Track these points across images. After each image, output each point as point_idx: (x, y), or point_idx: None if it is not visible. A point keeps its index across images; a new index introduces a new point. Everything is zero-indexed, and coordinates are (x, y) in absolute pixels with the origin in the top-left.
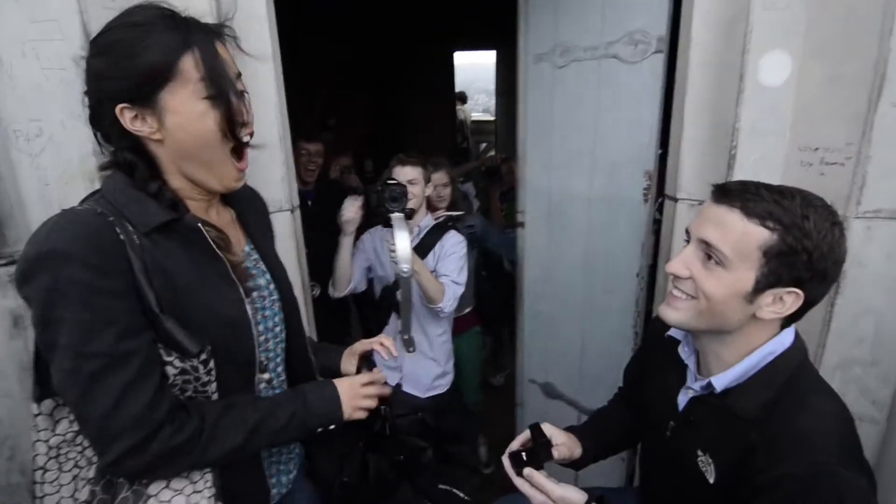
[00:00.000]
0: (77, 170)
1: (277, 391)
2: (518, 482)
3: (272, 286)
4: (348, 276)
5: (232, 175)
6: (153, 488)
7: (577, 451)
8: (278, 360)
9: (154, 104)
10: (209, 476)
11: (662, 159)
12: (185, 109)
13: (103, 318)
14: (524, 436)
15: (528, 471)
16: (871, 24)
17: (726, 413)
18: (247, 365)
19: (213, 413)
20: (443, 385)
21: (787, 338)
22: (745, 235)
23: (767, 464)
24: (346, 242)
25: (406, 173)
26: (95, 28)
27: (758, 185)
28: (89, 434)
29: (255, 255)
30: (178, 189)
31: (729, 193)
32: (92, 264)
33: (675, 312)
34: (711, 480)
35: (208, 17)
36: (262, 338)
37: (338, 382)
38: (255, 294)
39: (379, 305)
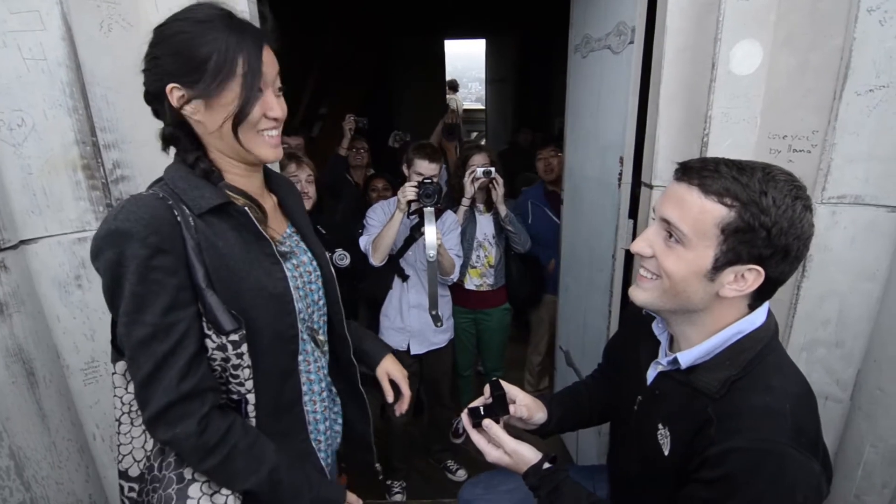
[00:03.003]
0: (60, 159)
1: (324, 359)
2: (474, 436)
3: (314, 263)
4: (391, 247)
5: (265, 151)
6: None
7: (540, 415)
8: (323, 329)
9: (200, 91)
10: None
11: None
12: (224, 101)
13: (155, 291)
14: (485, 393)
15: (486, 422)
16: (836, 15)
17: (689, 388)
18: (290, 340)
19: (246, 437)
20: (443, 341)
21: (757, 318)
22: (702, 213)
23: (720, 436)
24: (398, 217)
25: (432, 168)
26: (76, 18)
27: (718, 162)
28: (135, 394)
29: (297, 236)
30: (216, 161)
31: (689, 171)
32: (150, 243)
33: (641, 293)
34: (666, 453)
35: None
36: (309, 310)
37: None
38: (301, 269)
39: (383, 271)
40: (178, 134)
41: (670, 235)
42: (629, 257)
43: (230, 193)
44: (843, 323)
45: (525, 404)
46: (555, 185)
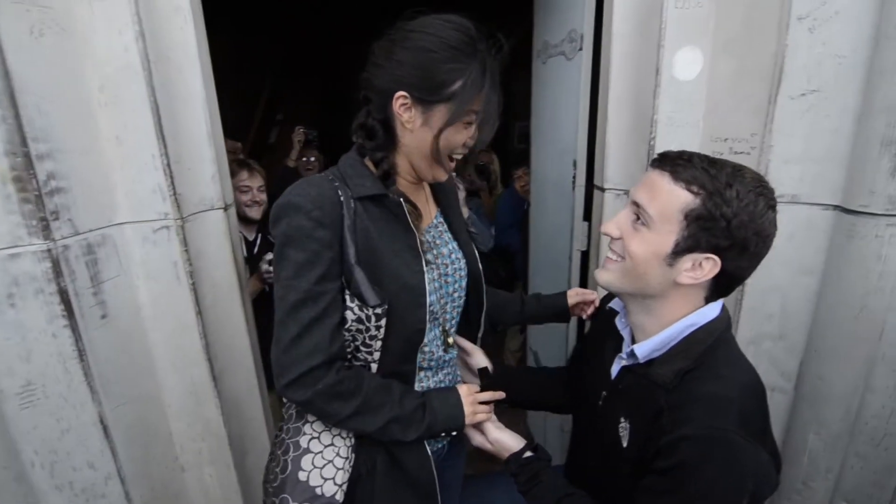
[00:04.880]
0: None
1: (451, 355)
2: None
3: (456, 254)
4: None
5: (441, 175)
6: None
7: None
8: (454, 322)
9: (426, 107)
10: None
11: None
12: (442, 123)
13: (312, 260)
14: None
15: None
16: (768, 23)
17: (648, 381)
18: (415, 332)
19: (371, 384)
20: None
21: (711, 311)
22: (669, 197)
23: (670, 425)
24: None
25: None
26: (2, 23)
27: (693, 154)
28: (275, 357)
29: (443, 226)
30: (397, 165)
31: (664, 159)
32: (314, 216)
33: (605, 273)
34: (625, 444)
35: (126, 10)
36: (442, 301)
37: (462, 392)
38: (439, 261)
39: None
40: (379, 130)
41: (638, 218)
42: (585, 259)
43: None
44: (785, 316)
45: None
46: None
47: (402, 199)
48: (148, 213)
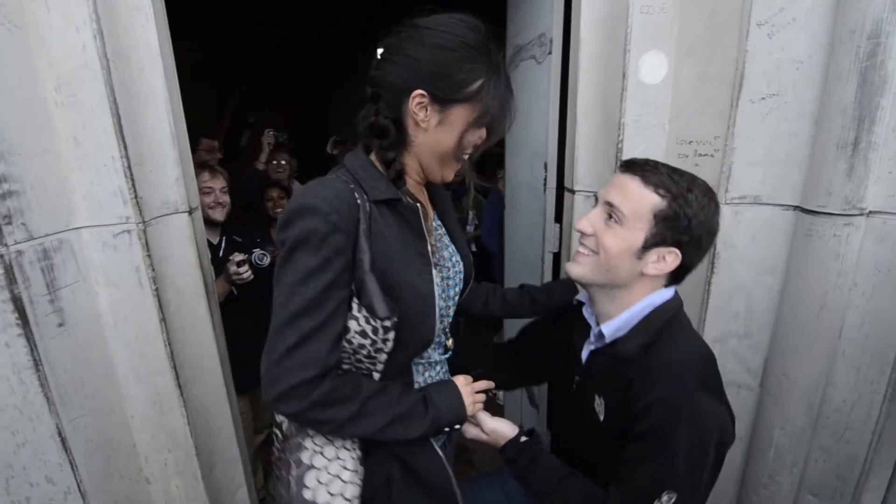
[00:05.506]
0: None
1: (446, 356)
2: None
3: (455, 257)
4: None
5: (450, 174)
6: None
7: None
8: (451, 324)
9: (443, 106)
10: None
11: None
12: (459, 125)
13: (322, 266)
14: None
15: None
16: (729, 29)
17: (615, 360)
18: (425, 343)
19: (367, 388)
20: None
21: (666, 293)
22: (641, 199)
23: (640, 393)
24: None
25: None
26: None
27: (657, 163)
28: (267, 367)
29: (442, 229)
30: (406, 165)
31: (633, 165)
32: (331, 220)
33: (577, 267)
34: (602, 419)
35: (83, 7)
36: (445, 305)
37: (459, 384)
38: (441, 265)
39: None
40: (391, 129)
41: (610, 217)
42: (556, 261)
43: (407, 194)
44: (750, 315)
45: None
46: None
47: (418, 205)
48: (108, 217)
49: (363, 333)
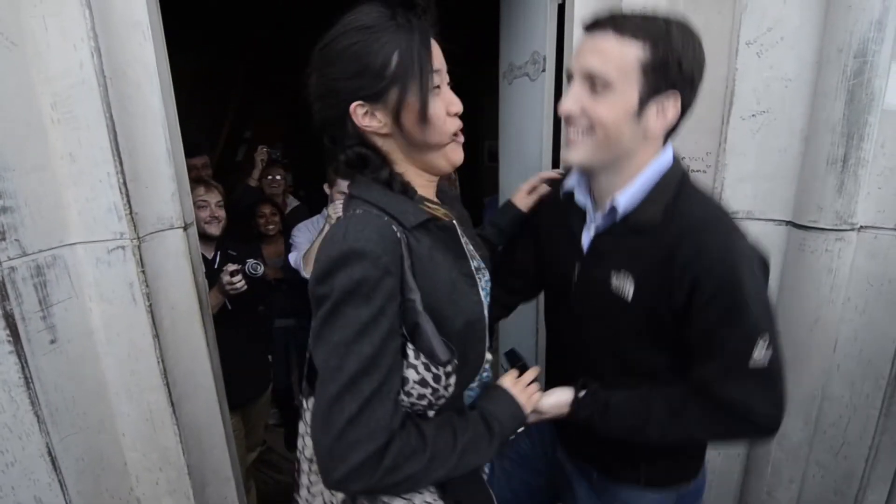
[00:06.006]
0: None
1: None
2: None
3: (483, 267)
4: None
5: (456, 154)
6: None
7: None
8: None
9: (382, 100)
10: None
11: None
12: (412, 104)
13: (376, 318)
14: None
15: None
16: (720, 48)
17: (632, 232)
18: (476, 371)
19: (429, 431)
20: None
21: (667, 156)
22: (622, 53)
23: (690, 260)
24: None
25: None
26: None
27: (623, 12)
28: (327, 446)
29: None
30: (405, 176)
31: (600, 22)
32: (382, 263)
33: (576, 152)
34: (630, 298)
35: (81, 25)
36: (487, 318)
37: (507, 386)
38: (482, 283)
39: None
40: (367, 153)
41: (594, 87)
42: None
43: (429, 207)
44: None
45: None
46: None
47: (454, 224)
48: (102, 233)
49: (423, 382)
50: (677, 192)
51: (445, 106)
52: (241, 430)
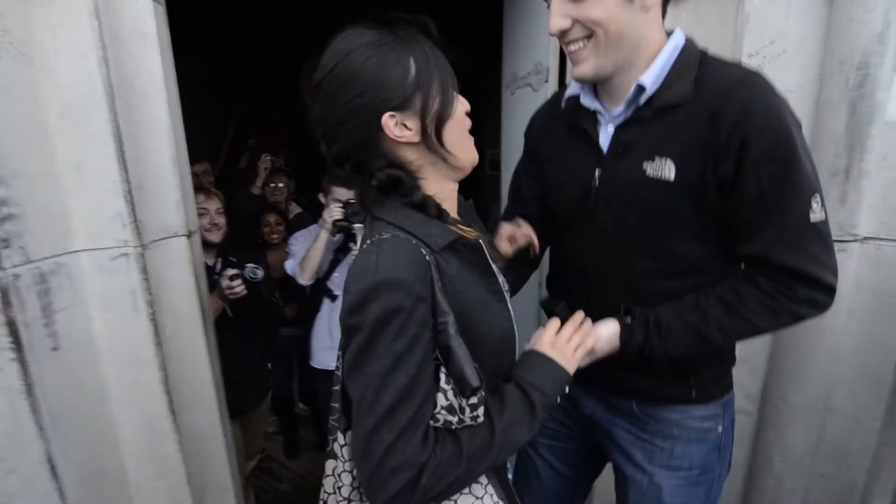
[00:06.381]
0: None
1: None
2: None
3: (501, 276)
4: (318, 267)
5: (472, 152)
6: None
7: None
8: None
9: (410, 109)
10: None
11: None
12: (438, 101)
13: (411, 347)
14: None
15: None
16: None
17: (662, 111)
18: (505, 379)
19: (465, 436)
20: None
21: (679, 37)
22: None
23: (738, 114)
24: (325, 237)
25: (349, 194)
26: None
27: None
28: (368, 475)
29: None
30: (432, 191)
31: None
32: (416, 292)
33: (586, 64)
34: (672, 178)
35: (90, 36)
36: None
37: (544, 347)
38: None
39: (312, 295)
40: (399, 175)
41: None
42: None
43: (458, 228)
44: (747, 340)
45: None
46: None
47: (479, 241)
48: (106, 241)
49: (451, 409)
50: (701, 63)
51: (462, 107)
52: (241, 437)
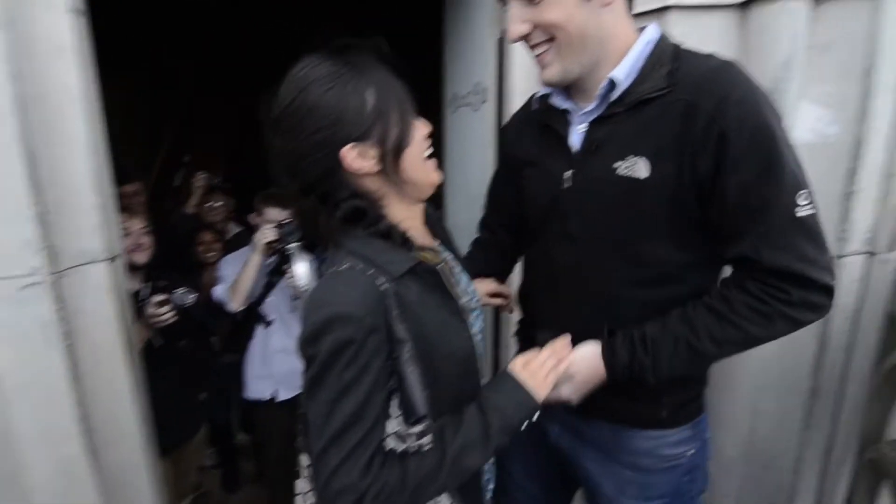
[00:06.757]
0: None
1: None
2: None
3: (471, 286)
4: (250, 291)
5: (434, 175)
6: None
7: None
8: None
9: (372, 136)
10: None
11: None
12: (397, 129)
13: (358, 376)
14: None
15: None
16: None
17: (635, 107)
18: (471, 399)
19: (412, 461)
20: None
21: (653, 31)
22: None
23: (713, 105)
24: (257, 259)
25: (283, 215)
26: None
27: None
28: (319, 495)
29: (451, 256)
30: (399, 222)
31: None
32: (366, 324)
33: (549, 68)
34: (644, 176)
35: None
36: (480, 342)
37: (516, 371)
38: (467, 307)
39: (244, 321)
40: (363, 206)
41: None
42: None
43: (422, 253)
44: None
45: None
46: None
47: (437, 267)
48: (15, 269)
49: (399, 436)
50: (676, 57)
51: (421, 131)
52: (172, 475)
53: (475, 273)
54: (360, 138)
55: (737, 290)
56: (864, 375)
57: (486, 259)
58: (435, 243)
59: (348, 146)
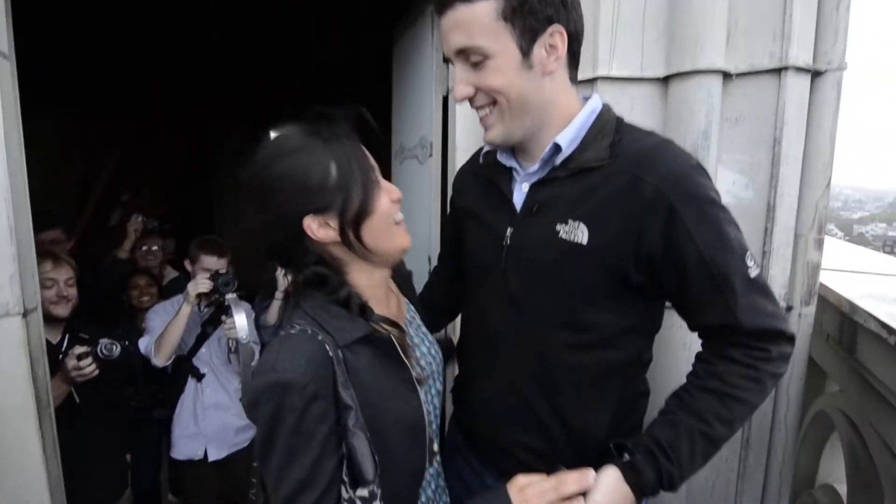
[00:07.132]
0: None
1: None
2: None
3: (434, 347)
4: (178, 345)
5: (403, 239)
6: None
7: None
8: (437, 428)
9: (334, 208)
10: None
11: None
12: (355, 207)
13: (304, 443)
14: None
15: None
16: None
17: (577, 174)
18: (420, 470)
19: None
20: (245, 440)
21: (597, 102)
22: (475, 14)
23: (656, 183)
24: (187, 311)
25: (220, 263)
26: None
27: None
28: None
29: (416, 317)
30: (362, 288)
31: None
32: (308, 392)
33: (494, 130)
34: (585, 241)
35: None
36: (434, 408)
37: (513, 493)
38: (424, 372)
39: (175, 374)
40: (326, 273)
41: (473, 63)
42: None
43: (378, 323)
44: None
45: None
46: None
47: (391, 336)
48: None
49: (350, 502)
50: (618, 129)
51: (389, 196)
52: None
53: (434, 304)
54: (320, 210)
55: (722, 361)
56: (792, 423)
57: (447, 290)
58: (397, 310)
59: (309, 217)
